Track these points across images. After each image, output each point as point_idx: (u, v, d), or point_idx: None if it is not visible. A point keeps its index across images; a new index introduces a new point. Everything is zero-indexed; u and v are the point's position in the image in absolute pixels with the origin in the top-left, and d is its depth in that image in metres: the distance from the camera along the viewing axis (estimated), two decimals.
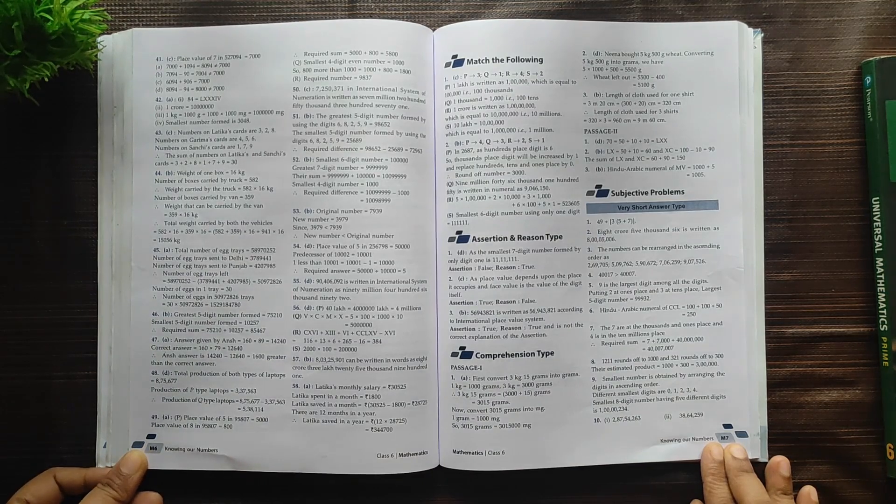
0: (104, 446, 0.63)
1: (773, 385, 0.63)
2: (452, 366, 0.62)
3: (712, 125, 0.63)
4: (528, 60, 0.62)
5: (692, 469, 0.63)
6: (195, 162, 0.63)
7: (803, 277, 0.64)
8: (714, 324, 0.63)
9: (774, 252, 0.64)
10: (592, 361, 0.62)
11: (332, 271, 0.62)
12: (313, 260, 0.62)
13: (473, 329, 0.61)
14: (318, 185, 0.62)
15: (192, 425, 0.62)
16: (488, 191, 0.61)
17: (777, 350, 0.64)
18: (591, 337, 0.62)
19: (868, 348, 0.64)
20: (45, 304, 0.64)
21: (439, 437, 0.62)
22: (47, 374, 0.63)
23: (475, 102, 0.62)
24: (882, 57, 0.63)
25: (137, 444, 0.62)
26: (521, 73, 0.62)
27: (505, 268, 0.61)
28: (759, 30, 0.65)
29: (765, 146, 0.64)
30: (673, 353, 0.63)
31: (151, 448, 0.62)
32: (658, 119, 0.64)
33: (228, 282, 0.62)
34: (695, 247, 0.63)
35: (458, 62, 0.62)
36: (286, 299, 0.62)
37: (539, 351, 0.62)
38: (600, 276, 0.63)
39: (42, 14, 0.54)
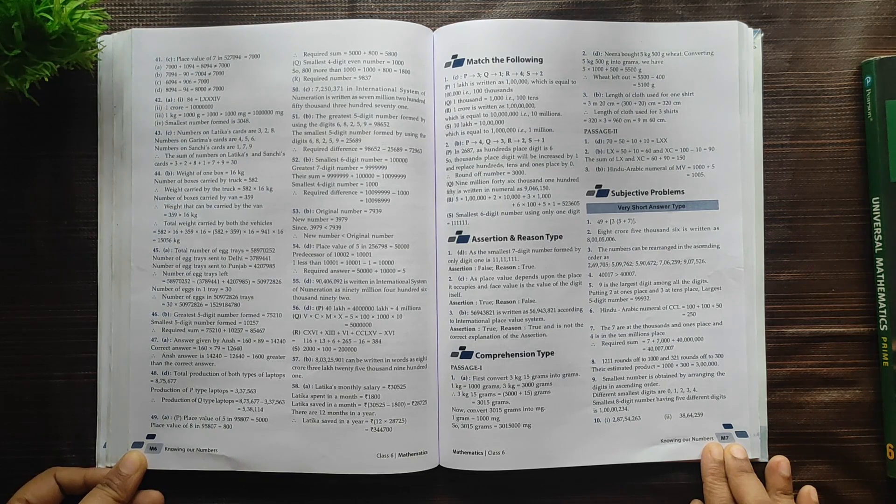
0: (104, 446, 0.63)
1: (773, 385, 0.63)
2: (452, 366, 0.62)
3: (712, 125, 0.63)
4: (528, 60, 0.62)
5: (692, 469, 0.63)
6: (195, 162, 0.63)
7: (803, 277, 0.64)
8: (714, 324, 0.63)
9: (774, 252, 0.64)
10: (592, 361, 0.62)
11: (331, 271, 0.62)
12: (313, 260, 0.62)
13: (473, 329, 0.61)
14: (318, 185, 0.62)
15: (191, 425, 0.62)
16: (488, 191, 0.61)
17: (777, 350, 0.64)
18: (592, 337, 0.62)
19: (868, 348, 0.64)
20: (45, 304, 0.64)
21: (439, 437, 0.62)
22: (47, 374, 0.63)
23: (475, 102, 0.62)
24: (882, 57, 0.63)
25: (137, 444, 0.62)
26: (521, 73, 0.62)
27: (505, 268, 0.61)
28: (759, 30, 0.65)
29: (765, 146, 0.64)
30: (673, 353, 0.63)
31: (151, 448, 0.62)
32: (658, 119, 0.64)
33: (228, 282, 0.62)
34: (695, 247, 0.63)
35: (458, 62, 0.62)
36: (286, 299, 0.62)
37: (539, 351, 0.62)
38: (600, 276, 0.63)
39: (42, 14, 0.54)
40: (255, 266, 0.62)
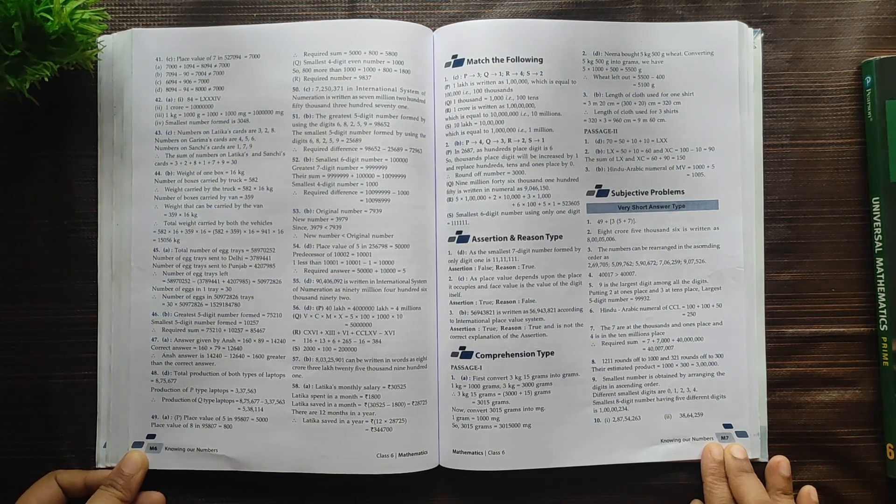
0: (104, 446, 0.63)
1: (773, 385, 0.63)
2: (452, 366, 0.62)
3: (712, 125, 0.63)
4: (528, 60, 0.62)
5: (692, 469, 0.63)
6: (195, 162, 0.63)
7: (803, 277, 0.64)
8: (714, 324, 0.63)
9: (774, 252, 0.64)
10: (592, 361, 0.62)
11: (331, 271, 0.61)
12: (313, 260, 0.62)
13: (473, 329, 0.61)
14: (318, 185, 0.62)
15: (191, 425, 0.62)
16: (488, 191, 0.61)
17: (777, 350, 0.64)
18: (592, 337, 0.62)
19: (868, 348, 0.64)
20: (45, 304, 0.64)
21: (439, 436, 0.62)
22: (47, 374, 0.63)
23: (475, 102, 0.62)
24: (882, 57, 0.63)
25: (137, 444, 0.62)
26: (521, 73, 0.62)
27: (505, 268, 0.61)
28: (759, 30, 0.65)
29: (765, 146, 0.64)
30: (673, 353, 0.63)
31: (151, 448, 0.62)
32: (658, 119, 0.64)
33: (228, 282, 0.62)
34: (695, 247, 0.63)
35: (458, 62, 0.62)
36: (286, 299, 0.62)
37: (539, 351, 0.62)
38: (600, 275, 0.63)
39: (42, 14, 0.54)
40: (256, 266, 0.62)
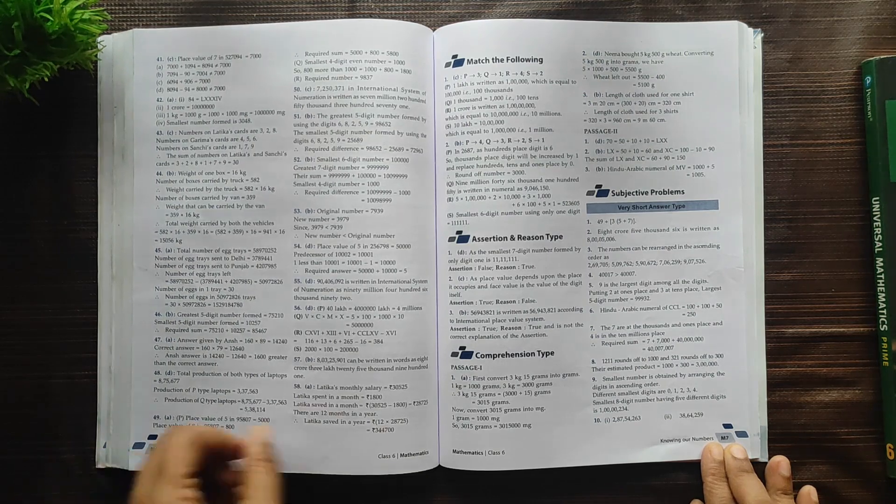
0: (104, 446, 0.63)
1: (773, 385, 0.64)
2: (453, 366, 0.62)
3: (712, 125, 0.63)
4: (528, 60, 0.62)
5: (692, 469, 0.63)
6: (196, 162, 0.63)
7: (803, 277, 0.64)
8: (714, 324, 0.63)
9: (774, 252, 0.64)
10: (592, 361, 0.62)
11: (333, 271, 0.61)
12: (314, 260, 0.62)
13: (473, 329, 0.61)
14: (320, 185, 0.62)
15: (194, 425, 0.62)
16: (488, 191, 0.61)
17: (777, 350, 0.64)
18: (592, 337, 0.62)
19: (868, 348, 0.64)
20: (45, 304, 0.64)
21: (439, 437, 0.62)
22: (47, 374, 0.63)
23: (475, 102, 0.62)
24: (882, 57, 0.63)
25: (139, 445, 0.62)
26: (521, 73, 0.62)
27: (505, 268, 0.61)
28: (759, 30, 0.65)
29: (765, 146, 0.64)
30: (673, 353, 0.63)
31: (153, 448, 0.62)
32: (658, 119, 0.64)
33: (231, 282, 0.62)
34: (695, 247, 0.63)
35: (458, 62, 0.62)
36: (287, 299, 0.62)
37: (539, 351, 0.62)
38: (600, 275, 0.63)
39: (42, 14, 0.54)
40: (258, 266, 0.62)
